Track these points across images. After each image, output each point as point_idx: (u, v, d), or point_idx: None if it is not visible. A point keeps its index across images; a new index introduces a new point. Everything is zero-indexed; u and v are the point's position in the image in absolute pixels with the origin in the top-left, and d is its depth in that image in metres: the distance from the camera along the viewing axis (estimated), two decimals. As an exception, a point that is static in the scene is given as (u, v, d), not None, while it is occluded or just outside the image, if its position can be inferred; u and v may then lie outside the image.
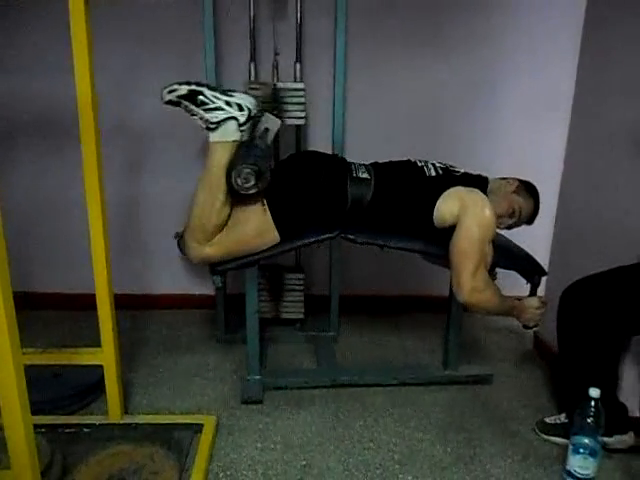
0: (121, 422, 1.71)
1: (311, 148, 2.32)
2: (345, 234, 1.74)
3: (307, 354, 2.28)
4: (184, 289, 2.64)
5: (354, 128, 2.34)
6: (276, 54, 2.21)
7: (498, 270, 1.83)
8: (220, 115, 1.57)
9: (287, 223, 1.68)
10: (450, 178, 1.76)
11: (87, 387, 1.86)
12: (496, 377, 2.09)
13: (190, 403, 1.91)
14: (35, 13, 2.23)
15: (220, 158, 1.59)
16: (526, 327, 1.82)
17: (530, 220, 1.83)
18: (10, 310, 1.05)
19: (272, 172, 1.72)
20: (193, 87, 1.56)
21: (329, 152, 2.14)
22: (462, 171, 1.82)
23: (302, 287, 2.35)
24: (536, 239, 2.16)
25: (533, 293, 1.85)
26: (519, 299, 1.77)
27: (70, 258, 2.51)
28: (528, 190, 1.81)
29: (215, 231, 1.65)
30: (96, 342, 1.62)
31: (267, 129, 1.70)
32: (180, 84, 1.56)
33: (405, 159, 1.84)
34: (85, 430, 1.69)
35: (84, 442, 1.63)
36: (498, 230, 1.74)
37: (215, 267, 1.73)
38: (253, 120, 1.63)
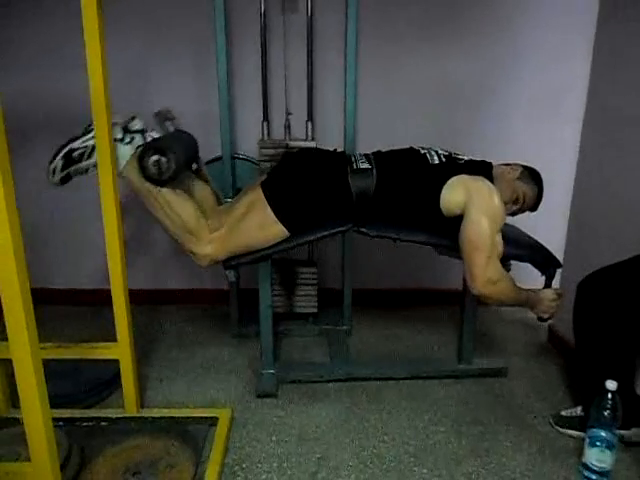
0: (137, 415, 1.74)
1: (321, 143, 2.32)
2: (358, 227, 1.74)
3: (321, 348, 2.29)
4: (198, 284, 2.66)
5: (365, 122, 2.32)
6: (288, 114, 2.25)
7: (512, 262, 1.82)
8: None
9: (293, 217, 1.68)
10: (454, 165, 1.73)
11: (104, 381, 1.89)
12: (511, 370, 2.09)
13: (205, 397, 1.93)
14: (47, 8, 2.25)
15: (135, 176, 1.62)
16: (541, 319, 1.82)
17: (534, 207, 1.81)
18: (29, 305, 1.07)
19: (272, 170, 1.78)
20: (61, 153, 1.60)
21: (340, 147, 2.14)
22: (466, 158, 1.79)
23: (315, 281, 2.36)
24: (551, 230, 2.15)
25: (548, 285, 1.84)
26: (534, 291, 1.76)
27: (86, 254, 2.54)
28: (532, 176, 1.79)
29: (201, 225, 1.67)
30: (112, 337, 1.64)
31: (161, 119, 1.76)
32: (51, 162, 1.60)
33: (408, 146, 1.82)
34: (102, 423, 1.71)
35: (101, 435, 1.66)
36: (509, 221, 1.72)
37: (228, 262, 1.74)
38: (133, 131, 1.66)
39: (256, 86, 2.27)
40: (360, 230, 1.74)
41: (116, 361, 1.67)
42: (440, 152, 1.78)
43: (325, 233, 1.74)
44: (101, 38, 1.37)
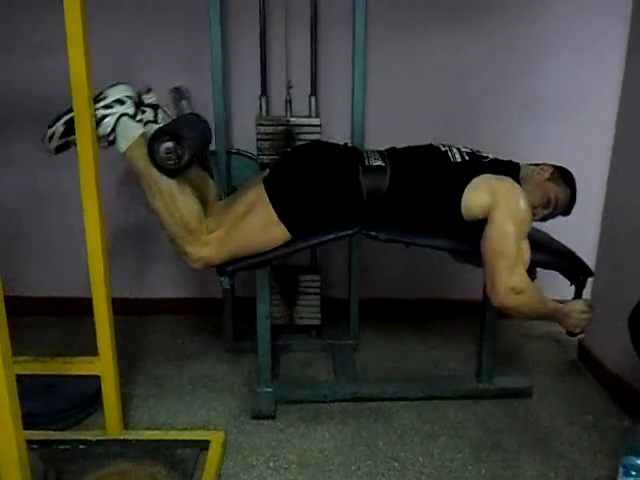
0: (120, 438, 1.73)
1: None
2: (367, 230, 1.74)
3: (324, 364, 2.29)
4: (188, 292, 2.66)
5: (375, 116, 2.33)
6: (289, 87, 2.23)
7: (538, 270, 1.82)
8: (109, 122, 1.58)
9: (296, 218, 1.69)
10: (477, 164, 1.75)
11: (83, 400, 1.88)
12: (536, 390, 2.08)
13: (195, 418, 1.93)
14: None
15: (140, 160, 1.59)
16: (570, 334, 1.81)
17: (567, 211, 1.82)
18: (1, 315, 1.06)
19: (275, 165, 1.77)
20: (66, 117, 1.56)
21: (347, 130, 2.16)
22: (491, 156, 1.81)
23: (318, 290, 2.36)
24: (581, 235, 2.14)
25: (578, 295, 1.83)
26: (562, 303, 1.75)
27: (64, 259, 2.54)
28: (564, 177, 1.80)
29: (200, 224, 1.66)
30: (92, 351, 1.64)
31: (176, 97, 1.71)
32: (51, 126, 1.57)
33: (426, 143, 1.84)
34: (81, 447, 1.71)
35: (80, 460, 1.66)
36: (534, 224, 1.72)
37: (223, 267, 1.74)
38: (145, 105, 1.64)
39: (254, 66, 2.26)
40: (369, 233, 1.74)
41: (97, 377, 1.66)
42: (462, 150, 1.79)
43: (331, 236, 1.74)
44: (84, 20, 1.37)
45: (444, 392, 2.05)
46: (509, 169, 1.77)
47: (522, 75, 2.40)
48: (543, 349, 2.43)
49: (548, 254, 1.85)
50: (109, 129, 1.58)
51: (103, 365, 1.64)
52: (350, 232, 1.75)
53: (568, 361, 2.35)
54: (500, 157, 1.83)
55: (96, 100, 1.58)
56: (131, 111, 1.61)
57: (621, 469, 1.51)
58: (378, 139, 2.08)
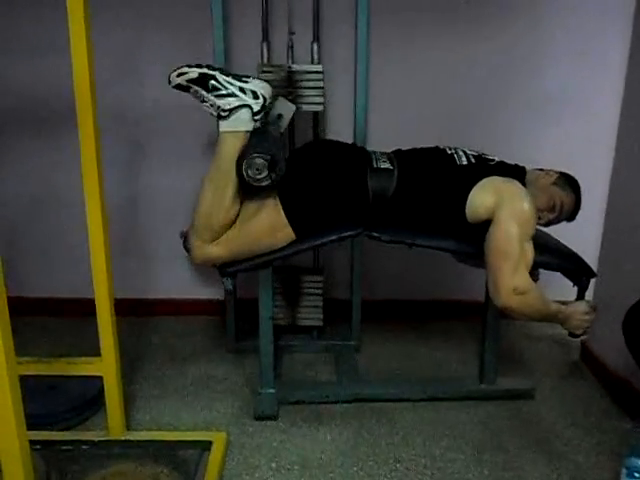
0: (122, 439, 1.73)
1: (330, 136, 2.32)
2: (369, 231, 1.74)
3: (326, 365, 2.29)
4: (190, 293, 2.66)
5: (378, 113, 2.34)
6: (291, 34, 2.21)
7: (541, 271, 1.81)
8: (233, 102, 1.60)
9: (303, 219, 1.69)
10: (484, 167, 1.75)
11: (85, 400, 1.89)
12: (539, 392, 2.08)
13: (198, 418, 1.93)
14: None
15: (230, 149, 1.61)
16: (573, 335, 1.81)
17: (571, 216, 1.83)
18: (4, 316, 1.07)
19: (285, 163, 1.74)
20: (205, 70, 1.59)
21: (349, 140, 2.15)
22: (497, 159, 1.81)
23: (321, 291, 2.35)
24: (584, 236, 2.13)
25: (581, 297, 1.83)
26: (565, 304, 1.75)
27: (66, 260, 2.54)
28: (569, 183, 1.81)
29: (223, 230, 1.67)
30: (95, 351, 1.64)
31: (280, 115, 1.73)
32: (191, 67, 1.59)
33: (433, 146, 1.84)
34: (83, 447, 1.71)
35: (82, 460, 1.66)
36: (537, 226, 1.73)
37: (226, 268, 1.74)
38: (267, 108, 1.66)
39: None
40: (372, 234, 1.74)
41: (99, 378, 1.67)
42: (469, 152, 1.80)
43: (333, 237, 1.74)
44: (87, 20, 1.37)
45: (446, 393, 2.05)
46: (515, 172, 1.78)
47: (525, 76, 2.40)
48: (545, 350, 2.43)
49: (550, 255, 1.84)
50: (228, 107, 1.60)
51: (105, 366, 1.64)
52: (353, 233, 1.75)
53: (570, 362, 2.35)
54: (504, 158, 1.84)
55: (238, 78, 1.61)
56: (256, 108, 1.62)
57: (624, 471, 1.51)
58: (380, 139, 2.09)
